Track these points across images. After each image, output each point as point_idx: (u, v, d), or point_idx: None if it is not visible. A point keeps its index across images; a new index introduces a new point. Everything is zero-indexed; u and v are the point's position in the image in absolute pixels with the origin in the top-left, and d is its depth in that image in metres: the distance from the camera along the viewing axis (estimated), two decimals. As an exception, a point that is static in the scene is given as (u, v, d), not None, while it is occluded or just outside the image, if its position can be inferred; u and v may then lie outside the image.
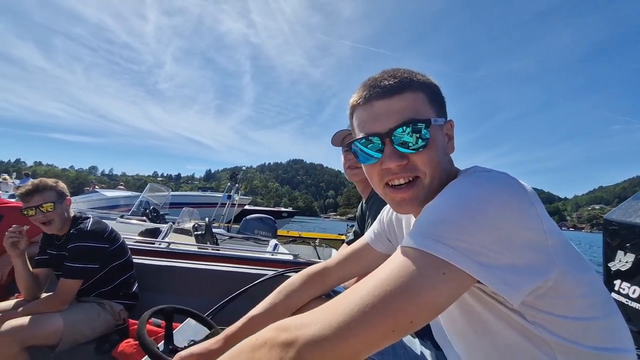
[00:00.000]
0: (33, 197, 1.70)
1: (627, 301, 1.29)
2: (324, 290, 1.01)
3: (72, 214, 1.86)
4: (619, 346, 0.57)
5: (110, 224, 1.95)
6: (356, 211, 1.83)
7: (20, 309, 1.61)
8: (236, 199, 9.47)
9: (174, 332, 1.13)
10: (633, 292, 1.27)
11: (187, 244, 3.46)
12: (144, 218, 7.07)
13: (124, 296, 1.89)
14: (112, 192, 15.42)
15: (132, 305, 1.93)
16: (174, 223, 4.81)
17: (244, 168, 11.00)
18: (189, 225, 4.80)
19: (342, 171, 1.60)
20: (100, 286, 1.83)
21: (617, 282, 1.34)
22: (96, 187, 18.24)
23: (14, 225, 1.68)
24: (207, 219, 4.77)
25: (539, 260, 0.52)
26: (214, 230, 4.70)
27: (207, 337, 1.12)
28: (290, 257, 3.02)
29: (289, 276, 1.84)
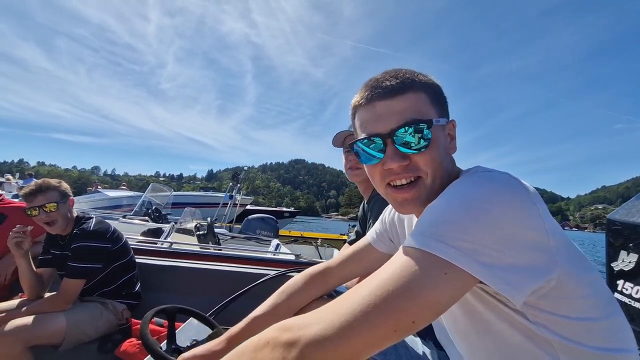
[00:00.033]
0: (36, 197, 1.71)
1: (630, 301, 1.28)
2: (326, 290, 1.01)
3: (75, 214, 1.87)
4: (621, 346, 0.57)
5: (113, 224, 1.96)
6: (358, 211, 1.83)
7: (24, 308, 1.62)
8: (238, 199, 9.48)
9: (176, 331, 1.14)
10: (636, 293, 1.27)
11: (190, 244, 3.47)
12: (147, 218, 7.10)
13: (126, 296, 1.90)
14: (115, 192, 15.48)
15: (135, 305, 1.94)
16: (176, 223, 4.83)
17: (245, 168, 11.01)
18: (191, 225, 4.81)
19: (344, 171, 1.60)
20: (103, 286, 1.84)
21: (620, 282, 1.33)
22: (99, 187, 18.32)
23: (18, 226, 1.69)
24: (209, 219, 4.79)
25: (541, 260, 0.52)
26: (216, 230, 4.71)
27: (209, 337, 1.13)
28: (292, 257, 3.03)
29: (291, 276, 1.84)
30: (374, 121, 0.67)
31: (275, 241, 4.19)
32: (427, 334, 1.04)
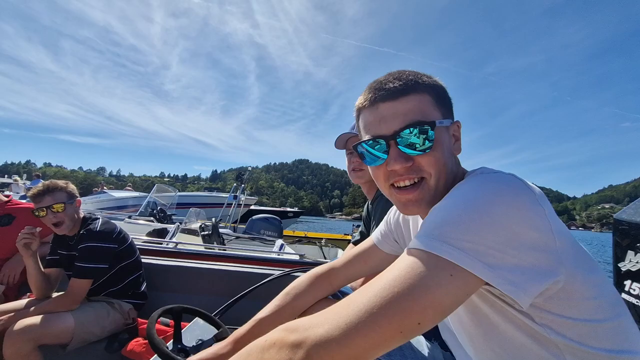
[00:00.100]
0: (44, 198, 1.73)
1: (637, 302, 1.27)
2: (330, 291, 1.02)
3: (82, 215, 1.89)
4: (629, 348, 0.56)
5: (119, 224, 1.98)
6: (362, 211, 1.83)
7: (32, 308, 1.64)
8: (242, 199, 9.51)
9: (182, 331, 1.15)
10: (644, 293, 1.25)
11: (195, 244, 3.49)
12: (152, 218, 7.14)
13: (132, 296, 1.92)
14: (120, 192, 15.60)
15: (141, 305, 1.95)
16: (181, 223, 4.86)
17: (249, 168, 11.04)
18: (196, 225, 4.84)
19: (347, 173, 1.60)
20: (110, 286, 1.86)
21: (628, 282, 1.32)
22: (104, 187, 18.48)
23: (27, 227, 1.72)
24: (213, 219, 4.81)
25: (547, 261, 0.52)
26: (220, 230, 4.74)
27: (215, 337, 1.13)
28: (297, 257, 3.04)
29: (296, 276, 1.85)
30: (377, 123, 0.67)
31: (279, 241, 4.20)
32: (433, 335, 1.03)
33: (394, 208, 1.02)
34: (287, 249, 3.95)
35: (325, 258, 4.93)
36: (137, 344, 1.65)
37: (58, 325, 1.56)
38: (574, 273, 0.54)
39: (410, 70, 0.70)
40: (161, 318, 1.14)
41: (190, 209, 5.94)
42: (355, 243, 1.68)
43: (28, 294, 1.89)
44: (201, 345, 1.09)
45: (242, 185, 9.63)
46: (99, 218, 1.89)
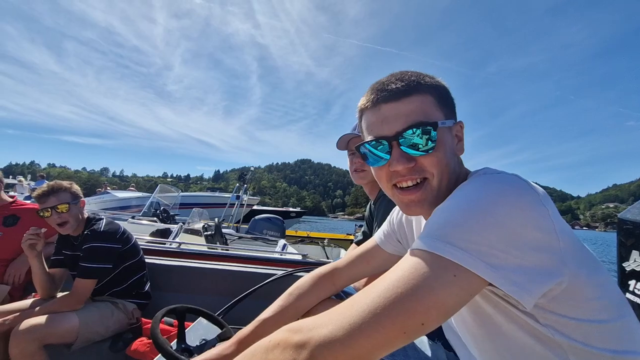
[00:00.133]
0: (49, 198, 1.75)
1: (642, 302, 1.26)
2: (333, 291, 1.02)
3: (85, 215, 1.90)
4: (633, 348, 0.56)
5: (122, 224, 1.99)
6: (364, 211, 1.83)
7: (37, 308, 1.66)
8: (245, 199, 9.54)
9: (186, 331, 1.15)
10: (649, 293, 1.24)
11: (198, 244, 3.51)
12: (155, 219, 7.17)
13: (136, 295, 1.93)
14: (124, 193, 15.66)
15: (145, 305, 1.96)
16: (184, 223, 4.88)
17: (252, 168, 11.06)
18: (198, 225, 4.85)
19: (349, 173, 1.60)
20: (114, 286, 1.87)
21: (632, 282, 1.31)
22: (108, 188, 18.57)
23: (32, 227, 1.73)
24: (216, 220, 4.83)
25: (550, 262, 0.51)
26: (223, 230, 4.75)
27: (218, 336, 1.14)
28: (299, 257, 3.04)
29: (299, 276, 1.85)
30: (380, 124, 0.67)
31: (282, 241, 4.21)
32: (436, 335, 1.03)
33: (396, 208, 1.02)
34: (290, 249, 3.95)
35: (327, 258, 4.92)
36: (141, 343, 1.66)
37: (63, 325, 1.58)
38: (577, 273, 0.54)
39: (413, 71, 0.70)
40: (165, 318, 1.14)
41: (193, 209, 5.97)
42: (358, 243, 1.68)
43: (33, 293, 1.91)
44: (205, 345, 1.09)
45: (245, 185, 9.65)
46: (102, 218, 1.91)
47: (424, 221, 0.84)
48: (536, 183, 0.59)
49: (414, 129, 0.63)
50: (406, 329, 0.46)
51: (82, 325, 1.62)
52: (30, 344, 1.47)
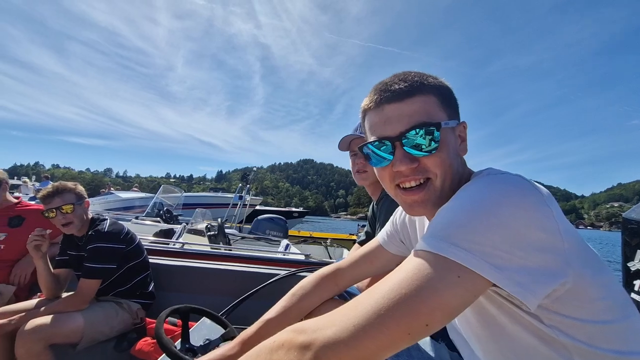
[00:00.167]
0: (54, 199, 1.76)
1: (647, 302, 1.25)
2: (336, 291, 1.02)
3: (90, 216, 1.91)
4: (639, 349, 0.56)
5: (126, 225, 2.00)
6: (367, 211, 1.83)
7: (43, 308, 1.67)
8: (247, 199, 9.55)
9: (189, 330, 1.16)
10: (654, 293, 1.23)
11: (201, 244, 3.52)
12: (158, 219, 7.20)
13: (140, 295, 1.94)
14: (127, 193, 15.73)
15: (149, 305, 1.97)
16: (187, 224, 4.90)
17: (254, 168, 11.08)
18: (202, 225, 4.87)
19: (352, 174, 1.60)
20: (118, 286, 1.88)
21: (637, 282, 1.30)
22: (111, 188, 18.66)
23: (37, 229, 1.74)
24: (219, 220, 4.84)
25: (554, 262, 0.51)
26: (226, 230, 4.76)
27: (222, 336, 1.14)
28: (302, 257, 3.04)
29: (301, 276, 1.85)
30: (383, 124, 0.67)
31: (284, 241, 4.22)
32: (439, 335, 1.03)
33: (399, 209, 1.02)
34: (293, 249, 3.96)
35: (330, 258, 4.93)
36: (145, 343, 1.67)
37: (68, 324, 1.59)
38: (582, 274, 0.53)
39: (416, 72, 0.70)
40: (169, 318, 1.15)
41: (197, 209, 5.99)
42: (361, 243, 1.68)
43: (39, 294, 1.92)
44: (208, 345, 1.10)
45: (247, 185, 9.67)
46: (107, 219, 1.92)
47: (427, 221, 0.84)
48: (539, 183, 0.59)
49: (417, 130, 0.64)
50: (410, 330, 0.46)
51: (87, 325, 1.63)
52: (36, 344, 1.49)
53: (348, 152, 1.56)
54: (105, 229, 1.81)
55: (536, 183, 0.57)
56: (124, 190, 18.69)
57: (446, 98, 0.69)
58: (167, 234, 4.55)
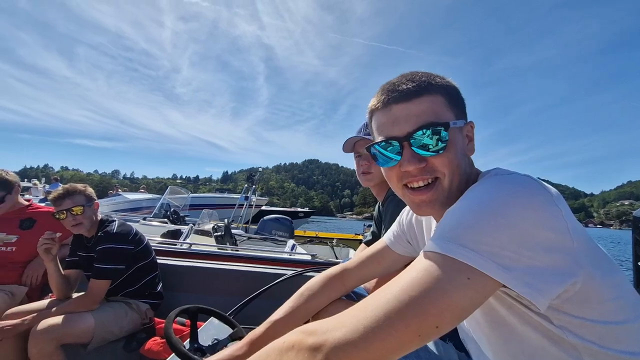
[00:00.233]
0: (64, 201, 1.79)
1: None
2: (344, 292, 1.02)
3: (99, 217, 1.94)
4: None
5: (134, 226, 2.02)
6: (373, 210, 1.83)
7: (54, 308, 1.70)
8: (253, 200, 9.58)
9: (198, 330, 1.17)
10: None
11: (208, 244, 3.55)
12: (166, 220, 7.26)
13: (149, 296, 1.96)
14: (135, 195, 15.88)
15: (158, 305, 1.99)
16: (194, 224, 4.94)
17: (260, 169, 11.11)
18: (208, 226, 4.91)
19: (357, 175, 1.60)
20: (127, 286, 1.90)
21: (649, 282, 1.28)
22: (119, 190, 18.85)
23: (47, 232, 1.77)
24: (226, 220, 4.87)
25: (564, 263, 0.51)
26: (232, 231, 4.79)
27: (230, 336, 1.15)
28: (309, 257, 3.05)
29: (308, 276, 1.85)
30: (390, 124, 0.67)
31: (291, 241, 4.23)
32: (447, 336, 1.03)
33: (406, 209, 1.02)
34: (299, 249, 3.97)
35: (336, 258, 4.92)
36: (154, 343, 1.68)
37: (79, 325, 1.61)
38: (592, 274, 0.53)
39: (423, 72, 0.70)
40: (177, 317, 1.16)
41: (203, 210, 6.03)
42: (367, 243, 1.68)
43: (50, 294, 1.95)
44: (217, 345, 1.10)
45: (253, 186, 9.70)
46: (115, 220, 1.94)
47: (434, 222, 0.84)
48: (547, 181, 0.58)
49: (425, 130, 0.64)
50: (421, 332, 0.46)
51: (97, 325, 1.66)
52: (48, 344, 1.51)
53: (352, 153, 1.57)
54: (114, 230, 1.84)
55: (545, 182, 0.57)
56: (131, 192, 18.87)
57: (453, 98, 0.69)
58: (175, 234, 4.59)
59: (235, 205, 9.96)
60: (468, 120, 0.72)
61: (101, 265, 1.74)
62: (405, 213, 1.01)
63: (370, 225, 2.07)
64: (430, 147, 0.65)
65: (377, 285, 1.23)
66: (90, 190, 1.91)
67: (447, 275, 0.48)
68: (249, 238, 5.20)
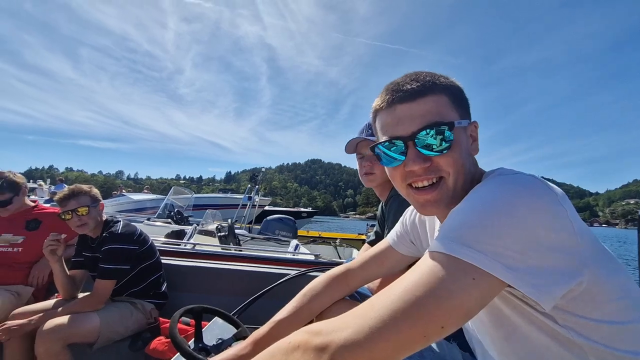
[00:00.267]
0: (69, 201, 1.80)
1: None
2: (347, 292, 1.02)
3: (104, 218, 1.95)
4: None
5: (138, 226, 2.03)
6: (376, 210, 1.83)
7: (60, 308, 1.71)
8: (256, 200, 9.60)
9: (202, 330, 1.17)
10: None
11: (212, 245, 3.56)
12: (169, 220, 7.29)
13: (154, 296, 1.97)
14: (139, 195, 15.96)
15: (162, 304, 2.01)
16: (198, 225, 4.95)
17: (263, 169, 11.14)
18: (212, 226, 4.92)
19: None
20: (132, 286, 1.92)
21: (655, 281, 1.27)
22: (123, 190, 18.96)
23: (52, 234, 1.79)
24: (229, 221, 4.89)
25: (570, 262, 0.51)
26: (236, 231, 4.80)
27: (234, 336, 1.16)
28: (312, 257, 3.05)
29: (312, 276, 1.86)
30: (395, 124, 0.67)
31: (294, 241, 4.23)
32: (451, 335, 1.03)
33: (409, 209, 1.02)
34: (302, 249, 3.97)
35: (340, 258, 4.93)
36: (159, 342, 1.69)
37: (85, 324, 1.62)
38: (597, 274, 0.53)
39: (427, 72, 0.70)
40: (182, 317, 1.17)
41: (207, 210, 6.05)
42: (371, 243, 1.68)
43: (56, 294, 1.97)
44: (221, 345, 1.11)
45: (256, 186, 9.72)
46: (120, 221, 1.96)
47: (437, 222, 0.84)
48: (552, 180, 0.58)
49: (430, 129, 0.64)
50: (426, 333, 0.46)
51: (103, 325, 1.67)
52: (54, 344, 1.53)
53: (354, 154, 1.57)
54: (119, 231, 1.85)
55: (549, 182, 0.57)
56: (135, 192, 18.97)
57: (457, 98, 0.69)
58: (179, 235, 4.61)
59: (238, 205, 9.99)
60: (472, 120, 0.72)
61: (106, 266, 1.75)
62: (409, 213, 1.00)
63: (373, 225, 2.07)
64: (435, 146, 0.65)
65: (381, 286, 1.23)
66: (95, 191, 1.93)
67: (452, 276, 0.48)
68: (253, 238, 5.21)
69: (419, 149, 0.66)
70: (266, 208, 16.00)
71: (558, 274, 0.50)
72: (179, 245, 3.22)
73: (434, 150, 0.65)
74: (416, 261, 0.56)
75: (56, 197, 1.85)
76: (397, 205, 1.39)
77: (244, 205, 9.44)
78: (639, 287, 0.60)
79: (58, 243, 1.78)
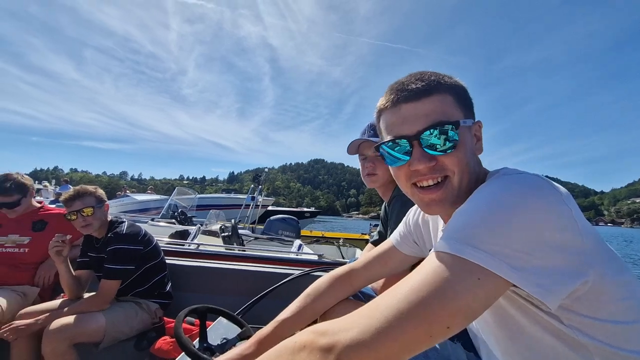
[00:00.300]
0: (75, 202, 1.82)
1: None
2: (351, 292, 1.02)
3: (109, 218, 1.97)
4: None
5: (143, 226, 2.04)
6: (379, 210, 1.83)
7: (66, 308, 1.73)
8: (259, 200, 9.62)
9: (207, 330, 1.18)
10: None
11: (215, 245, 3.57)
12: (173, 220, 7.32)
13: (159, 295, 1.99)
14: (143, 196, 16.03)
15: (167, 304, 2.02)
16: (202, 225, 4.97)
17: (266, 169, 11.14)
18: (216, 227, 4.94)
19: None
20: (137, 286, 1.93)
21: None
22: (127, 191, 19.06)
23: (57, 235, 1.81)
24: (233, 221, 4.90)
25: (574, 262, 0.51)
26: (239, 231, 4.82)
27: (238, 335, 1.16)
28: (315, 257, 3.06)
29: (315, 275, 1.86)
30: (400, 124, 0.67)
31: (297, 241, 4.23)
32: (456, 336, 1.02)
33: (412, 209, 1.02)
34: (306, 249, 3.98)
35: (343, 258, 4.92)
36: (164, 342, 1.70)
37: (91, 324, 1.64)
38: (602, 274, 0.53)
39: (432, 71, 0.70)
40: (187, 317, 1.18)
41: (210, 210, 6.07)
42: (374, 243, 1.68)
43: (62, 294, 1.99)
44: (226, 344, 1.11)
45: (259, 186, 9.74)
46: (124, 221, 1.97)
47: (440, 222, 0.84)
48: (557, 179, 0.58)
49: (435, 129, 0.64)
50: (432, 333, 0.46)
51: (108, 324, 1.68)
52: (61, 343, 1.54)
53: (357, 155, 1.57)
54: (124, 231, 1.86)
55: (554, 182, 0.56)
56: (139, 193, 19.05)
57: (462, 97, 0.69)
58: (183, 235, 4.63)
59: (242, 205, 10.01)
60: (476, 120, 0.72)
61: (111, 266, 1.77)
62: (412, 213, 1.00)
63: (376, 225, 2.07)
64: (440, 146, 0.65)
65: (385, 286, 1.23)
66: (100, 192, 1.94)
67: (457, 276, 0.48)
68: (256, 238, 5.23)
69: (424, 148, 0.66)
70: (269, 208, 16.02)
71: (563, 273, 0.50)
72: (183, 245, 3.24)
73: (438, 149, 0.65)
74: (419, 261, 0.56)
75: (62, 198, 1.87)
76: (399, 206, 1.39)
77: (247, 206, 9.45)
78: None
79: (63, 244, 1.80)
